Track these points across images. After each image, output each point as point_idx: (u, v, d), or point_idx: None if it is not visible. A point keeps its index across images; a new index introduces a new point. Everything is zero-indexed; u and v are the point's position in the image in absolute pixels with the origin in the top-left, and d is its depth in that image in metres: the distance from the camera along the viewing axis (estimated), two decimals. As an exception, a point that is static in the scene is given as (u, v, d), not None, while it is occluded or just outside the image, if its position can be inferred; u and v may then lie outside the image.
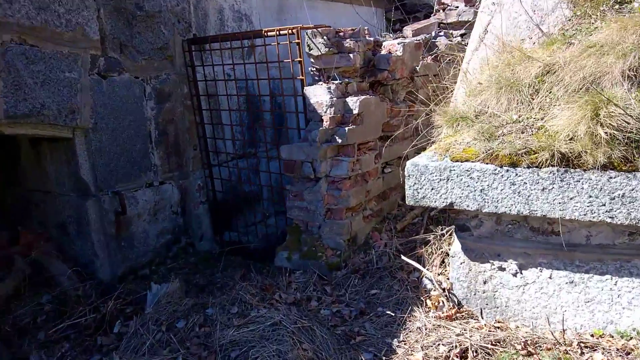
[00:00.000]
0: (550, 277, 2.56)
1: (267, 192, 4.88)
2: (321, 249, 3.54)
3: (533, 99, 2.58)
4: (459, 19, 5.54)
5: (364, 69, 3.84)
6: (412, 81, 4.30)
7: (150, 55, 4.08)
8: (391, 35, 4.96)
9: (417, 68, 4.31)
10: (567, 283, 2.52)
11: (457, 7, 5.55)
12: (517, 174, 2.39)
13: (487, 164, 2.47)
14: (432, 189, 2.63)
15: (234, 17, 4.89)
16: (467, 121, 2.77)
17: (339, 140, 3.49)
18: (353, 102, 3.56)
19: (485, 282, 2.77)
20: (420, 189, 2.66)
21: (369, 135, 3.76)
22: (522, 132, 2.46)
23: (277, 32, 3.77)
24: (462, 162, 2.53)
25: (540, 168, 2.33)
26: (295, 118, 4.14)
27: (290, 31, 3.69)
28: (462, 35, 5.55)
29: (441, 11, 5.94)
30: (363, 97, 3.60)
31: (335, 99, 3.50)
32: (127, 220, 3.95)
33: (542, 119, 2.48)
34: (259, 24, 5.05)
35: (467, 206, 2.56)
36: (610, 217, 2.25)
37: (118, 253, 3.91)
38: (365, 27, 3.95)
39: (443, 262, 3.12)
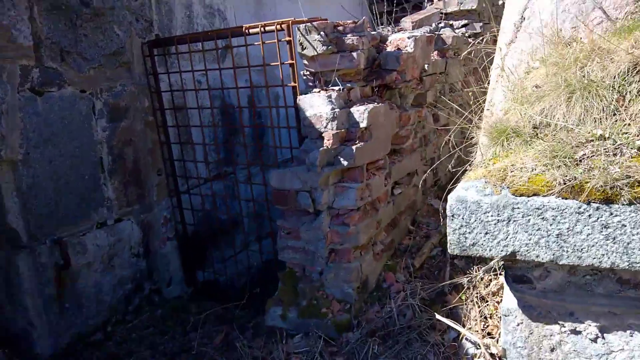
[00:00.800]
0: (649, 347, 1.86)
1: (246, 219, 4.12)
2: (325, 302, 2.77)
3: (620, 107, 1.88)
4: (461, 8, 4.88)
5: (367, 71, 3.11)
6: (420, 82, 3.59)
7: (100, 62, 3.29)
8: (389, 28, 4.24)
9: (427, 66, 3.60)
10: (676, 357, 1.83)
11: (458, -6, 4.88)
12: (612, 214, 1.68)
13: (565, 199, 1.76)
14: (486, 233, 1.91)
15: (204, 13, 4.12)
16: (523, 137, 2.06)
17: (345, 163, 2.73)
18: (360, 113, 2.81)
19: (553, 350, 2.06)
20: (469, 233, 1.94)
21: (379, 152, 3.01)
22: (615, 155, 1.76)
23: (262, 29, 3.01)
24: (528, 196, 1.82)
25: (649, 206, 1.63)
26: (281, 133, 3.41)
27: (279, 27, 2.93)
28: (464, 26, 4.91)
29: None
30: (371, 106, 2.85)
31: (337, 110, 2.75)
32: (72, 275, 3.12)
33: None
34: (234, 21, 4.28)
35: (537, 256, 1.84)
36: None
37: (60, 319, 3.08)
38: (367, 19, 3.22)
39: (483, 315, 2.41)
